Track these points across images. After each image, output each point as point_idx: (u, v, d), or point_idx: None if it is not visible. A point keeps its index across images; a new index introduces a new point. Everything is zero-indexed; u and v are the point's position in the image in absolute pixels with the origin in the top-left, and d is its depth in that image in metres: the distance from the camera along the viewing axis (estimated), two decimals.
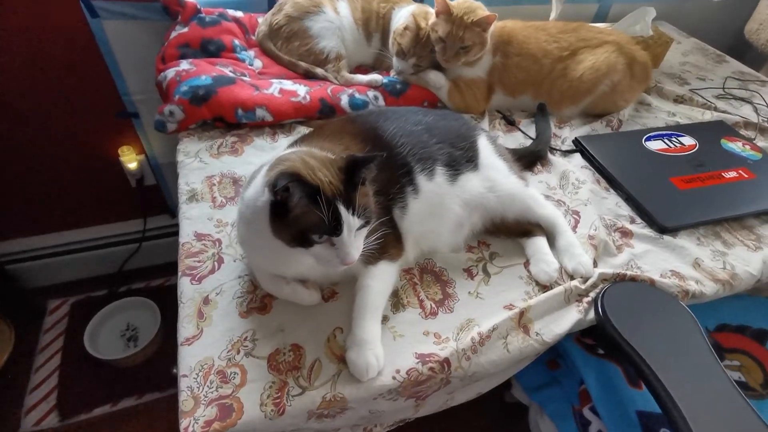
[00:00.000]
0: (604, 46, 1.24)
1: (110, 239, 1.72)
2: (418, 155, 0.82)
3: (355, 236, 0.63)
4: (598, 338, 0.97)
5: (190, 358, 0.69)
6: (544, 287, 0.83)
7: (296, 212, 0.61)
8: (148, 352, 1.53)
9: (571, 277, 0.84)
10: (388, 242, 0.76)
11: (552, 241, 0.89)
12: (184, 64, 1.14)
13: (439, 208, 0.84)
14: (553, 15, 1.49)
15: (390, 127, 0.84)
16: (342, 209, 0.60)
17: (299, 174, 0.60)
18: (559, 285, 0.82)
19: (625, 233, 0.96)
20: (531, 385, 1.09)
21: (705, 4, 1.71)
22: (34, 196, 1.53)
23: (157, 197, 1.68)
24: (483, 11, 1.15)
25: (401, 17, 1.25)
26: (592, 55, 1.22)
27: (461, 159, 0.87)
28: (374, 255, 0.73)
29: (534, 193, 0.93)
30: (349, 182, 0.62)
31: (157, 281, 1.79)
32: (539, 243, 0.88)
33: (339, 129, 0.84)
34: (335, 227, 0.60)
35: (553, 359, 1.06)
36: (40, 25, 1.21)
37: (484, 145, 0.92)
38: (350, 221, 0.61)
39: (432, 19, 1.18)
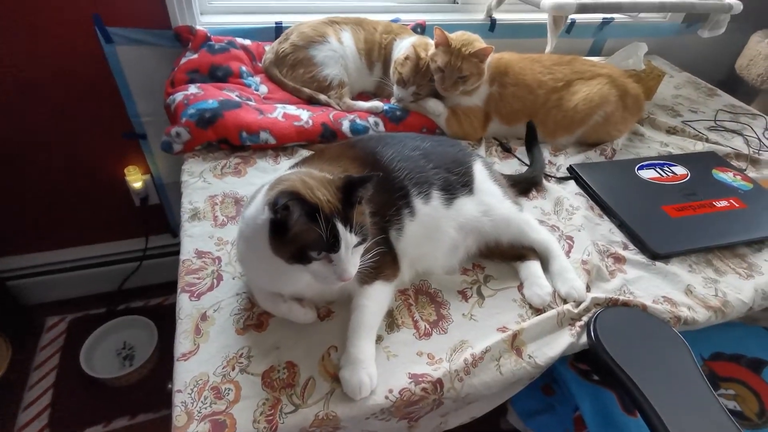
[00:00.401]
0: (597, 78, 1.28)
1: (111, 257, 1.73)
2: (414, 179, 0.85)
3: (352, 253, 0.65)
4: (591, 363, 0.97)
5: (185, 374, 0.69)
6: (538, 310, 0.84)
7: (296, 230, 0.63)
8: (143, 371, 1.52)
9: (564, 301, 0.85)
10: (384, 263, 0.77)
11: (546, 266, 0.91)
12: (193, 89, 1.18)
13: (434, 230, 0.86)
14: (548, 48, 1.54)
15: (388, 152, 0.87)
16: (340, 226, 0.62)
17: (299, 193, 0.62)
18: (552, 308, 0.83)
19: (618, 259, 0.98)
20: (526, 410, 1.08)
21: (696, 40, 1.77)
22: (38, 213, 1.56)
23: (159, 216, 1.70)
24: (480, 43, 1.20)
25: (402, 48, 1.30)
26: (586, 86, 1.27)
27: (457, 183, 0.90)
28: (370, 275, 0.75)
29: (528, 218, 0.95)
30: (347, 201, 0.65)
31: (156, 300, 1.80)
32: (533, 267, 0.89)
33: (339, 153, 0.87)
34: (333, 244, 0.62)
35: (547, 384, 1.06)
36: (56, 49, 1.26)
37: (479, 170, 0.95)
38: (348, 238, 0.63)
39: (431, 50, 1.23)
